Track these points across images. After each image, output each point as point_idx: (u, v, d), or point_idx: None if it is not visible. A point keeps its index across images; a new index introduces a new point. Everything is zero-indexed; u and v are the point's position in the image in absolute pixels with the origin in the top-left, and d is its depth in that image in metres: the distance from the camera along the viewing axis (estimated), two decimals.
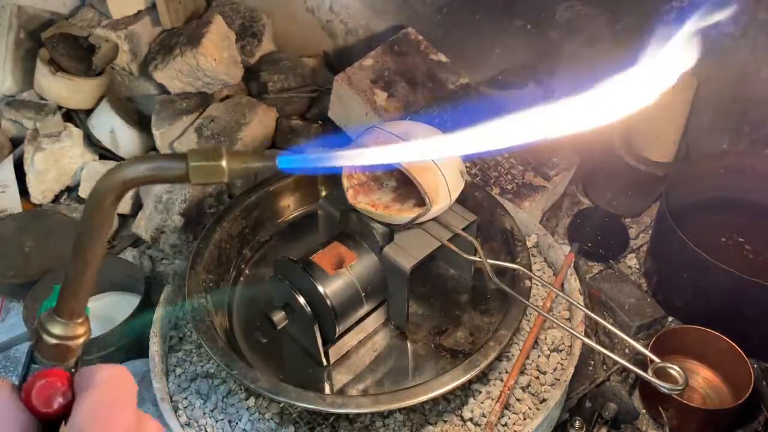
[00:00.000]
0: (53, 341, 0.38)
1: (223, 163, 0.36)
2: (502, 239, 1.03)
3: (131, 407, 0.35)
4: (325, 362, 0.91)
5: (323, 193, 1.14)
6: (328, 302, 0.85)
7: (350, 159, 0.38)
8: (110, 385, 0.35)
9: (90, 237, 0.37)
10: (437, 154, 0.38)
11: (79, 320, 0.39)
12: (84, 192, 1.36)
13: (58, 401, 0.36)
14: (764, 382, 1.09)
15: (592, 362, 1.13)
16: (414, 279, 0.88)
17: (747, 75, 1.23)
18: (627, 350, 1.14)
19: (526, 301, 0.88)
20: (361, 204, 0.88)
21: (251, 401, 0.92)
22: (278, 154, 0.37)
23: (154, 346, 0.96)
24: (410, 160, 0.74)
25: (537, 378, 0.95)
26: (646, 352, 0.74)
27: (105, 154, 1.41)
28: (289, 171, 0.38)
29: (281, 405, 0.91)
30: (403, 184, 0.91)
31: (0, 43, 1.42)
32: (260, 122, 1.38)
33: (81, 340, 0.39)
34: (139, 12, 1.45)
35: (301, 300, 0.85)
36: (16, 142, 1.43)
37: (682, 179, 1.22)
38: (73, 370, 0.39)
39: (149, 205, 1.25)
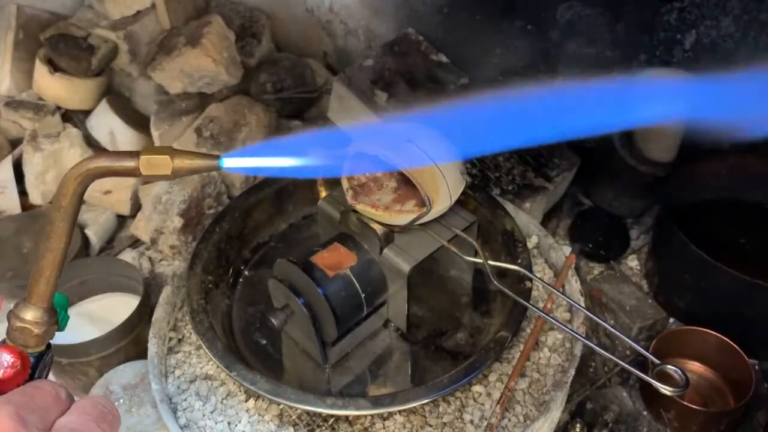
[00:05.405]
0: (17, 323, 0.41)
1: (169, 158, 0.40)
2: (502, 240, 1.02)
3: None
4: (324, 364, 0.91)
5: (323, 194, 1.13)
6: (328, 304, 0.85)
7: (297, 161, 0.42)
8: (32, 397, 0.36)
9: (56, 223, 0.41)
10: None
11: (44, 306, 0.42)
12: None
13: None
14: (765, 384, 1.09)
15: (593, 364, 1.13)
16: (414, 280, 0.87)
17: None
18: (628, 352, 1.14)
19: (526, 303, 0.88)
20: (361, 205, 0.88)
21: (251, 403, 0.92)
22: (222, 155, 0.41)
23: (153, 348, 0.95)
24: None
25: (538, 380, 0.94)
26: (647, 353, 0.74)
27: None
28: (232, 171, 0.42)
29: (281, 406, 0.90)
30: (404, 184, 0.90)
31: None
32: (260, 123, 1.38)
33: (44, 328, 0.42)
34: (139, 12, 1.44)
35: (301, 301, 0.85)
36: (15, 143, 1.42)
37: (683, 180, 1.22)
38: (34, 356, 0.41)
39: (148, 206, 1.25)
